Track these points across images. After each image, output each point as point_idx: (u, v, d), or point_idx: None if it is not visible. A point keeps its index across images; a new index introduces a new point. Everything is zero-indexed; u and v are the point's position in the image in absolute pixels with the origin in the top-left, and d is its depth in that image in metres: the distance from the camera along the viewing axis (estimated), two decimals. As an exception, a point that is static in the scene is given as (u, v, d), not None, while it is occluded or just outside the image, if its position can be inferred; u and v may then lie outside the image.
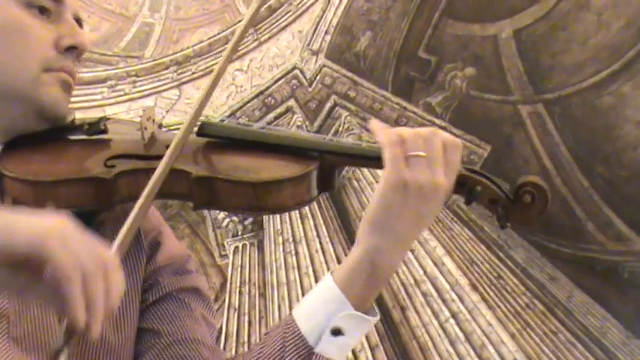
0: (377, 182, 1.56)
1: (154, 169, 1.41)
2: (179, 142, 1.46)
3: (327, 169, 1.57)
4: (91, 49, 10.74)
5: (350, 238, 7.24)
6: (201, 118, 1.57)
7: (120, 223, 1.58)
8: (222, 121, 1.72)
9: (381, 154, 1.49)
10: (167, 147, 1.45)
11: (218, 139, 1.59)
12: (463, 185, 1.57)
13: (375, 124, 1.56)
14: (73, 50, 1.56)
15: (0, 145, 1.52)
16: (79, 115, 1.62)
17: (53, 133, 1.57)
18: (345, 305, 1.47)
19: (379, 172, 1.49)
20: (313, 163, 1.52)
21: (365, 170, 7.58)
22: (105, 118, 1.62)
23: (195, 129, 1.59)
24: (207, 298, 1.69)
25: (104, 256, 1.16)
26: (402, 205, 1.45)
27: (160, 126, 1.62)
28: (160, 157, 1.44)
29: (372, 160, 1.54)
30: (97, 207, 1.51)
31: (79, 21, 1.61)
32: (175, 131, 1.55)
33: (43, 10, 1.54)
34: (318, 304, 1.50)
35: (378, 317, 1.53)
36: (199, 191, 1.48)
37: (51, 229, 1.12)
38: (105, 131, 1.58)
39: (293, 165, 1.52)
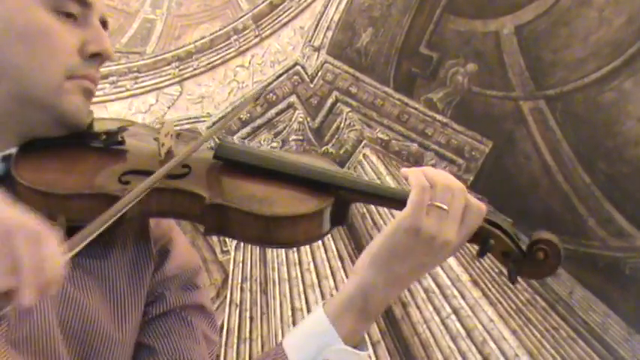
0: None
1: (167, 189, 1.40)
2: (161, 173, 1.45)
3: (342, 204, 1.56)
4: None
5: (352, 235, 7.23)
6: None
7: (128, 232, 1.58)
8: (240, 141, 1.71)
9: (396, 197, 1.49)
10: (183, 166, 1.45)
11: (234, 163, 1.58)
12: (477, 236, 1.56)
13: (405, 170, 1.55)
14: (98, 57, 1.56)
15: (15, 147, 1.51)
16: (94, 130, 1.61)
17: (70, 138, 1.56)
18: (334, 339, 1.47)
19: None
20: (328, 199, 1.52)
21: (367, 167, 7.59)
22: (123, 128, 1.61)
23: (211, 151, 1.58)
24: (210, 315, 1.68)
25: (36, 225, 1.11)
26: (409, 249, 1.45)
27: (178, 135, 1.61)
28: (175, 177, 1.43)
29: (388, 200, 1.53)
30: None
31: (104, 24, 1.60)
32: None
33: (69, 14, 1.53)
34: (308, 337, 1.50)
35: (369, 352, 1.53)
36: (211, 217, 1.47)
37: None
38: (122, 142, 1.57)
39: (308, 200, 1.51)
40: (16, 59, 1.46)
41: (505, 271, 1.59)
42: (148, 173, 1.48)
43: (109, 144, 1.55)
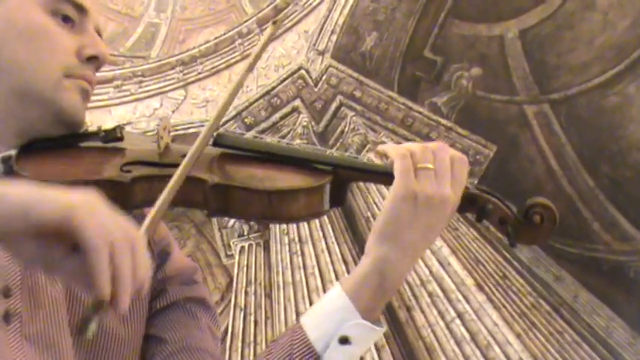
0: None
1: (169, 177, 1.42)
2: (198, 148, 1.48)
3: (340, 183, 1.58)
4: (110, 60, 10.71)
5: (356, 238, 7.25)
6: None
7: None
8: (242, 133, 1.74)
9: (388, 171, 1.51)
10: (182, 156, 1.47)
11: (233, 150, 1.61)
12: (474, 203, 1.59)
13: (381, 146, 1.59)
14: (94, 60, 1.58)
15: (15, 149, 1.52)
16: (91, 130, 1.63)
17: (68, 139, 1.58)
18: (353, 314, 1.48)
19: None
20: (327, 176, 1.54)
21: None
22: (121, 127, 1.64)
23: (211, 140, 1.60)
24: (213, 310, 1.70)
25: (133, 232, 1.17)
26: (411, 216, 1.47)
27: (173, 140, 1.63)
28: (174, 166, 1.45)
29: (384, 175, 1.55)
30: None
31: (99, 33, 1.62)
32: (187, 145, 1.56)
33: (66, 19, 1.56)
34: (327, 313, 1.51)
35: (385, 328, 1.54)
36: (214, 199, 1.49)
37: (81, 201, 1.13)
38: (121, 139, 1.59)
39: (307, 177, 1.54)
40: (16, 56, 1.49)
41: (504, 237, 1.62)
42: (148, 164, 1.51)
43: (108, 140, 1.57)
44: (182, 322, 1.63)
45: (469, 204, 1.58)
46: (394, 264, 1.50)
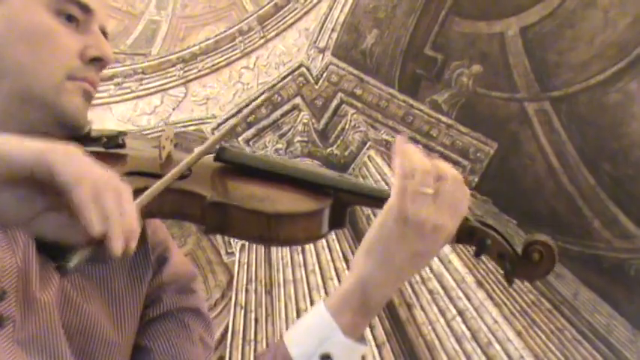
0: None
1: (169, 189, 1.41)
2: (192, 159, 1.47)
3: (340, 206, 1.57)
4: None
5: (356, 236, 7.24)
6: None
7: None
8: (241, 149, 1.74)
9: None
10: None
11: (235, 166, 1.60)
12: (473, 236, 1.58)
13: (400, 142, 1.55)
14: (98, 62, 1.57)
15: None
16: (94, 134, 1.62)
17: (70, 142, 1.57)
18: (335, 332, 1.47)
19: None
20: (327, 200, 1.53)
21: (372, 168, 7.59)
22: (124, 133, 1.63)
23: (212, 155, 1.59)
24: (207, 319, 1.69)
25: (116, 178, 1.17)
26: (400, 238, 1.45)
27: (176, 145, 1.62)
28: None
29: (384, 201, 1.54)
30: None
31: (104, 33, 1.61)
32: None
33: (71, 19, 1.54)
34: (309, 330, 1.51)
35: (367, 347, 1.54)
36: (212, 216, 1.48)
37: (58, 147, 1.13)
38: (123, 146, 1.59)
39: (308, 200, 1.52)
40: (18, 57, 1.48)
41: (503, 272, 1.61)
42: (149, 175, 1.50)
43: (109, 146, 1.56)
44: (173, 333, 1.62)
45: (467, 236, 1.56)
46: (378, 283, 1.49)
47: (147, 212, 1.45)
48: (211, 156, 1.59)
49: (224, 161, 1.60)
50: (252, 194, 1.51)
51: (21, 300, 1.37)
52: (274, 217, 1.47)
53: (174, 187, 1.44)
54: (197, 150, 1.49)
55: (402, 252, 1.45)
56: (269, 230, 1.48)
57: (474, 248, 1.59)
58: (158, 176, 1.51)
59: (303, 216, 1.49)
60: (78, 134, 1.57)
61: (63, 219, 1.11)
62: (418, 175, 1.45)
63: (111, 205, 1.12)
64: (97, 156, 1.57)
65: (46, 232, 1.16)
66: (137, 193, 1.47)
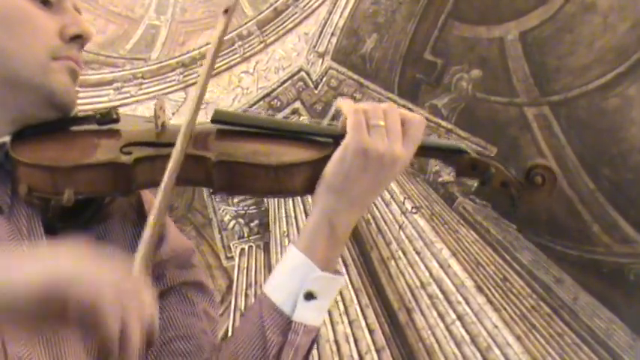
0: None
1: (169, 155, 1.42)
2: (189, 124, 1.48)
3: None
4: (99, 51, 10.75)
5: (356, 240, 7.24)
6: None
7: (126, 215, 1.60)
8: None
9: None
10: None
11: (232, 127, 1.61)
12: (475, 168, 1.61)
13: (340, 100, 1.62)
14: (78, 39, 1.58)
15: (8, 135, 1.52)
16: (85, 113, 1.62)
17: (62, 123, 1.57)
18: (311, 268, 1.50)
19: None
20: (329, 148, 1.55)
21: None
22: (116, 108, 1.63)
23: (209, 117, 1.60)
24: (210, 292, 1.70)
25: (126, 279, 1.17)
26: (361, 170, 1.50)
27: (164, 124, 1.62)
28: (174, 145, 1.45)
29: None
30: (114, 194, 1.52)
31: (77, 11, 1.62)
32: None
33: (45, 2, 1.56)
34: (287, 274, 1.53)
35: (344, 277, 1.57)
36: (219, 176, 1.49)
37: (62, 266, 1.13)
38: (117, 120, 1.59)
39: (310, 149, 1.55)
40: (0, 44, 1.49)
41: (507, 200, 1.64)
42: (148, 145, 1.51)
43: (103, 122, 1.56)
44: (176, 308, 1.64)
45: (471, 169, 1.60)
46: (342, 214, 1.53)
47: (150, 181, 1.46)
48: (207, 122, 1.61)
49: (221, 123, 1.61)
50: (255, 150, 1.54)
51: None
52: (281, 167, 1.50)
53: None
54: (189, 112, 1.50)
55: (363, 183, 1.51)
56: (278, 182, 1.50)
57: (477, 180, 1.64)
58: (156, 145, 1.52)
59: (309, 164, 1.52)
60: (67, 114, 1.58)
61: (78, 325, 1.13)
62: (368, 110, 1.51)
63: (130, 313, 1.14)
64: (92, 134, 1.58)
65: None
66: (142, 161, 1.48)
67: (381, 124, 1.51)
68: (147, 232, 1.30)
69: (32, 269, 1.12)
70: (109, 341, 1.10)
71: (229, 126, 1.61)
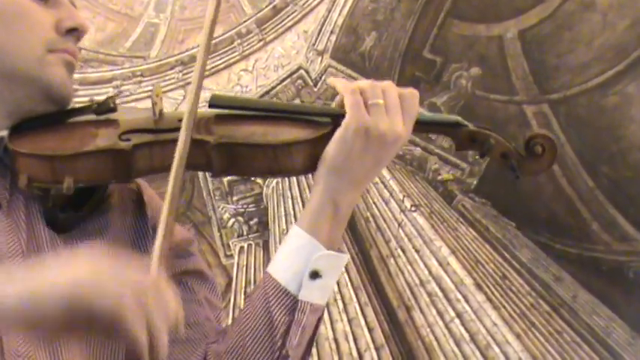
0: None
1: (168, 141, 1.43)
2: (192, 111, 1.48)
3: None
4: (98, 49, 10.75)
5: (355, 238, 7.25)
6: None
7: (126, 207, 1.61)
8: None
9: None
10: (179, 121, 1.47)
11: (229, 110, 1.61)
12: (475, 140, 1.62)
13: (331, 79, 1.62)
14: (74, 32, 1.58)
15: (6, 129, 1.52)
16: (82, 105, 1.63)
17: (59, 115, 1.58)
18: (316, 247, 1.50)
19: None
20: (328, 127, 1.55)
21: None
22: (113, 98, 1.63)
23: (206, 102, 1.61)
24: (210, 280, 1.71)
25: (146, 282, 1.18)
26: (363, 149, 1.50)
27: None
28: (172, 130, 1.46)
29: None
30: (114, 180, 1.52)
31: (73, 4, 1.63)
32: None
33: None
34: (291, 254, 1.53)
35: (348, 255, 1.57)
36: (218, 159, 1.50)
37: (82, 277, 1.14)
38: (114, 109, 1.59)
39: (308, 129, 1.55)
40: None
41: (508, 170, 1.65)
42: (146, 131, 1.52)
43: (101, 112, 1.57)
44: (181, 297, 1.64)
45: (470, 141, 1.61)
46: (344, 193, 1.54)
47: (150, 167, 1.47)
48: (204, 107, 1.61)
49: (218, 107, 1.61)
50: (253, 132, 1.55)
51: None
52: (280, 147, 1.51)
53: (172, 138, 1.45)
54: (189, 98, 1.50)
55: (365, 161, 1.51)
56: (277, 161, 1.51)
57: (477, 152, 1.64)
58: (155, 131, 1.52)
59: (307, 143, 1.53)
60: (64, 107, 1.58)
61: (103, 332, 1.16)
62: (366, 88, 1.51)
63: (153, 314, 1.16)
64: (90, 123, 1.58)
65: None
66: (141, 147, 1.49)
67: (380, 103, 1.51)
68: (161, 229, 1.31)
69: (53, 280, 1.14)
70: (138, 348, 1.12)
71: (227, 110, 1.61)
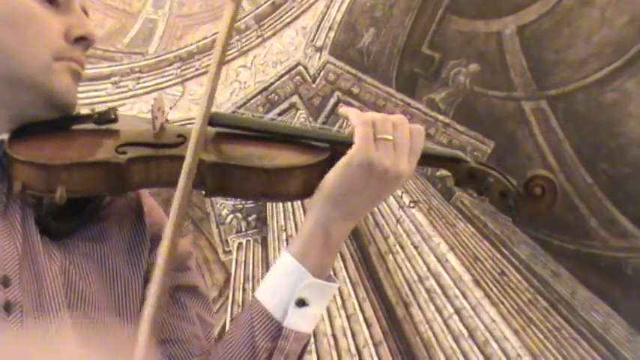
0: None
1: (165, 157, 1.42)
2: (201, 129, 1.48)
3: (338, 159, 1.59)
4: (96, 45, 10.68)
5: (354, 235, 7.24)
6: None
7: (124, 218, 1.60)
8: (233, 112, 1.75)
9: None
10: (178, 136, 1.47)
11: (229, 130, 1.60)
12: (474, 177, 1.61)
13: (344, 108, 1.63)
14: (83, 41, 1.57)
15: (7, 133, 1.52)
16: (84, 112, 1.62)
17: (61, 122, 1.57)
18: (304, 275, 1.50)
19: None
20: (325, 153, 1.55)
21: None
22: (114, 109, 1.63)
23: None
24: (204, 297, 1.70)
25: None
26: (363, 183, 1.50)
27: (167, 121, 1.62)
28: (170, 146, 1.45)
29: None
30: (108, 193, 1.52)
31: (85, 12, 1.61)
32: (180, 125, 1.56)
33: (51, 1, 1.55)
34: (279, 280, 1.53)
35: (338, 284, 1.56)
36: (212, 179, 1.50)
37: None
38: (115, 120, 1.59)
39: (306, 154, 1.55)
40: (3, 42, 1.49)
41: (506, 211, 1.63)
42: (144, 145, 1.51)
43: (101, 122, 1.56)
44: (170, 313, 1.63)
45: (469, 178, 1.60)
46: (338, 224, 1.54)
47: (145, 182, 1.46)
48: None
49: (218, 126, 1.61)
50: (249, 154, 1.55)
51: (26, 284, 1.38)
52: (274, 171, 1.51)
53: (169, 154, 1.45)
54: (198, 116, 1.50)
55: (363, 195, 1.52)
56: (270, 185, 1.51)
57: (475, 190, 1.64)
58: (153, 145, 1.52)
59: (302, 169, 1.52)
60: (68, 114, 1.58)
61: None
62: (378, 122, 1.51)
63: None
64: (90, 133, 1.58)
65: None
66: (136, 161, 1.49)
67: (390, 139, 1.50)
68: (160, 260, 1.31)
69: None
70: None
71: (227, 129, 1.60)
